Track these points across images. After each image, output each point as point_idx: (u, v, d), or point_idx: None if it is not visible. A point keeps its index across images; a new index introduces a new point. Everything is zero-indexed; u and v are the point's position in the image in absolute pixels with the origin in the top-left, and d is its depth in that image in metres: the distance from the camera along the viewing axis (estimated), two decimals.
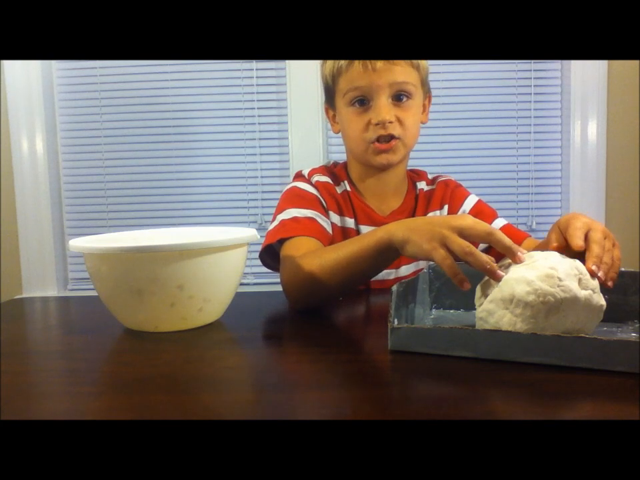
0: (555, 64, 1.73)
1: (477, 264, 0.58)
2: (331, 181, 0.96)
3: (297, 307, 0.80)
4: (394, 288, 0.61)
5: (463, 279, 0.59)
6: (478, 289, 0.61)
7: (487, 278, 0.60)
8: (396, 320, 0.58)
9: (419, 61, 0.89)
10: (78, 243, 0.68)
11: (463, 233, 0.61)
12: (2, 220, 1.74)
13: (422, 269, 0.78)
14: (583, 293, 0.55)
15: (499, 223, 0.97)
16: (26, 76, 1.71)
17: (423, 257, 0.63)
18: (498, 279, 0.57)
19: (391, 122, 0.87)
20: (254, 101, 1.76)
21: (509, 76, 1.74)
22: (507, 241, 0.59)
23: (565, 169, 1.75)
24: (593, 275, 0.57)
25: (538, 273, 0.55)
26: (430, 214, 0.97)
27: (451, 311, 0.71)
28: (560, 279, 0.54)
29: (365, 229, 0.94)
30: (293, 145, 1.74)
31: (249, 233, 0.73)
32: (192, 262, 0.65)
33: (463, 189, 1.02)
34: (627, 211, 1.71)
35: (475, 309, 0.60)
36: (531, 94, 1.74)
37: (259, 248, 0.92)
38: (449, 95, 1.73)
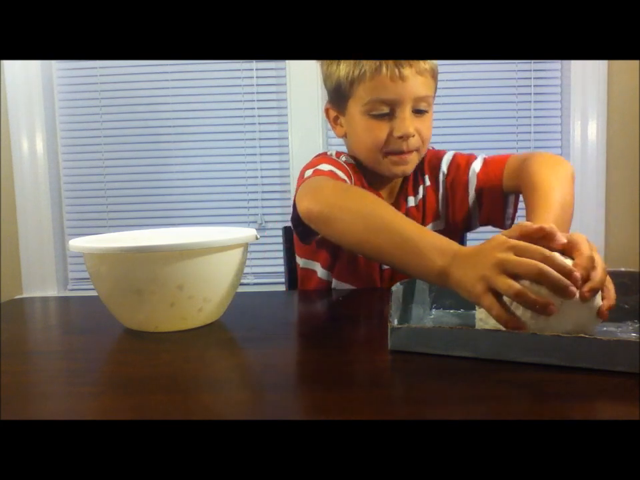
0: (555, 64, 1.73)
1: (527, 306, 0.52)
2: (355, 165, 0.93)
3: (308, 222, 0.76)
4: (394, 288, 0.61)
5: (516, 325, 0.52)
6: None
7: None
8: (396, 320, 0.58)
9: (437, 71, 0.87)
10: (78, 243, 0.68)
11: (508, 271, 0.53)
12: (2, 220, 1.74)
13: None
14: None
15: (478, 162, 0.94)
16: (26, 76, 1.71)
17: (475, 302, 0.57)
18: (550, 313, 0.52)
19: (413, 135, 0.86)
20: (254, 100, 1.76)
21: (509, 76, 1.74)
22: (557, 277, 0.51)
23: None
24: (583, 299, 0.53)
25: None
26: (420, 188, 0.95)
27: (451, 311, 0.71)
28: None
29: None
30: (292, 145, 1.74)
31: (248, 233, 0.73)
32: (192, 262, 0.65)
33: (438, 152, 0.99)
34: (627, 211, 1.71)
35: (474, 310, 0.60)
36: (531, 94, 1.74)
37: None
38: (449, 95, 1.73)
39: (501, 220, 0.93)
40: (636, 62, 1.66)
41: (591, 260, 0.53)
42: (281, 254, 1.15)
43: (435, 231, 0.64)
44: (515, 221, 0.96)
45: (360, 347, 0.63)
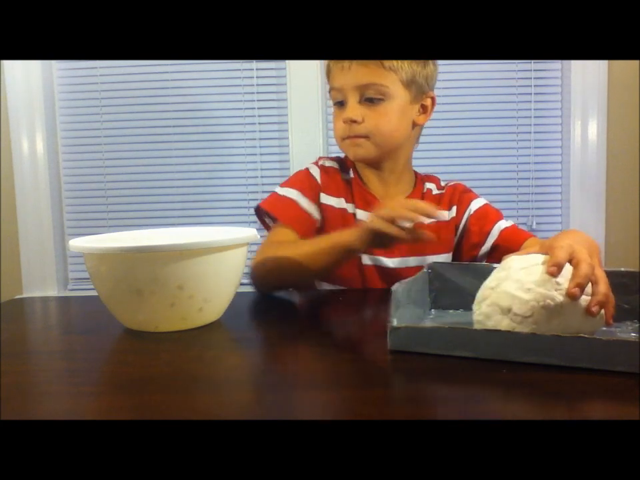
0: (555, 64, 1.73)
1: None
2: (337, 167, 1.02)
3: (261, 289, 0.92)
4: (394, 288, 0.61)
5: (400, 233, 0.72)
6: (479, 293, 0.60)
7: (486, 284, 0.59)
8: (395, 320, 0.58)
9: (396, 64, 0.89)
10: (78, 243, 0.68)
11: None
12: (2, 220, 1.74)
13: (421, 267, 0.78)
14: (583, 297, 0.54)
15: (503, 224, 0.98)
16: (26, 76, 1.71)
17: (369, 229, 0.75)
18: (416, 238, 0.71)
19: (355, 121, 0.91)
20: (254, 100, 1.76)
21: (509, 76, 1.74)
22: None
23: (565, 169, 1.75)
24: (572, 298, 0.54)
25: (535, 277, 0.55)
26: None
27: (450, 311, 0.71)
28: (558, 283, 0.54)
29: (361, 213, 0.98)
30: (293, 145, 1.74)
31: (249, 233, 0.73)
32: (192, 262, 0.65)
33: (471, 192, 1.04)
34: (627, 211, 1.71)
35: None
36: (531, 94, 1.74)
37: (259, 248, 0.94)
38: (449, 95, 1.73)
39: None
40: (636, 62, 1.65)
41: (588, 276, 0.54)
42: None
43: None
44: None
45: (360, 346, 0.63)
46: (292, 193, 0.97)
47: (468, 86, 1.74)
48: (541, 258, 0.57)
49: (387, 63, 0.89)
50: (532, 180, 1.76)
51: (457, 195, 1.01)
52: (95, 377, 0.54)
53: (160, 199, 1.79)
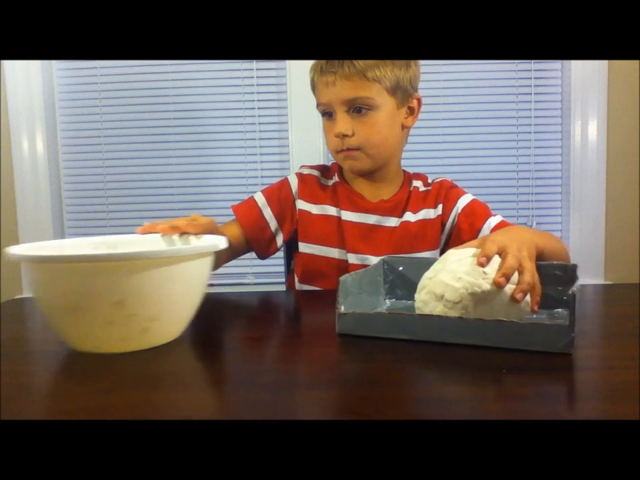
0: (555, 64, 1.73)
1: None
2: (317, 174, 1.03)
3: None
4: (342, 278, 0.66)
5: None
6: (419, 283, 0.65)
7: (426, 275, 0.65)
8: (342, 307, 0.63)
9: (379, 74, 0.90)
10: (13, 250, 0.59)
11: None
12: (2, 220, 1.74)
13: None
14: (509, 286, 0.59)
15: (493, 220, 0.97)
16: (26, 76, 1.71)
17: None
18: None
19: (346, 135, 0.92)
20: (254, 100, 1.76)
21: (509, 76, 1.74)
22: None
23: (565, 169, 1.75)
24: (499, 286, 0.59)
25: (466, 268, 0.61)
26: (423, 211, 0.98)
27: (403, 301, 0.75)
28: (485, 272, 0.60)
29: (346, 214, 0.98)
30: (292, 145, 1.74)
31: (208, 242, 0.65)
32: (134, 275, 0.56)
33: (457, 188, 1.03)
34: (627, 211, 1.71)
35: None
36: (531, 94, 1.74)
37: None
38: (450, 95, 1.73)
39: None
40: (636, 62, 1.65)
41: (514, 267, 0.60)
42: (281, 254, 1.15)
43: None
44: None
45: (358, 346, 0.63)
46: (260, 200, 1.00)
47: (468, 86, 1.74)
48: (474, 251, 0.63)
49: (370, 74, 0.89)
50: (532, 180, 1.76)
51: (444, 192, 1.01)
52: (95, 377, 0.54)
53: (160, 199, 1.79)
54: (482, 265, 0.60)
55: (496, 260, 0.61)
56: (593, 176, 1.71)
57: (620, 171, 1.71)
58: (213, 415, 0.44)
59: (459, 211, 0.99)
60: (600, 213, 1.71)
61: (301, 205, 1.00)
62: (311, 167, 1.05)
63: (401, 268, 0.76)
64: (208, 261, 0.64)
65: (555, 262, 0.69)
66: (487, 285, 0.59)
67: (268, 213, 0.99)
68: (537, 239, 0.72)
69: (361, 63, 0.88)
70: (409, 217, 0.98)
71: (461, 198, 1.00)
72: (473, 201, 1.00)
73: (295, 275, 1.03)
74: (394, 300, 0.76)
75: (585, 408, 0.44)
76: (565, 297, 0.66)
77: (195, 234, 0.73)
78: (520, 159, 1.76)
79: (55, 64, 1.76)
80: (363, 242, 0.96)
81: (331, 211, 0.99)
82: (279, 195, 1.01)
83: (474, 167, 1.75)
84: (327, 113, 0.95)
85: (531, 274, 0.61)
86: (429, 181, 1.04)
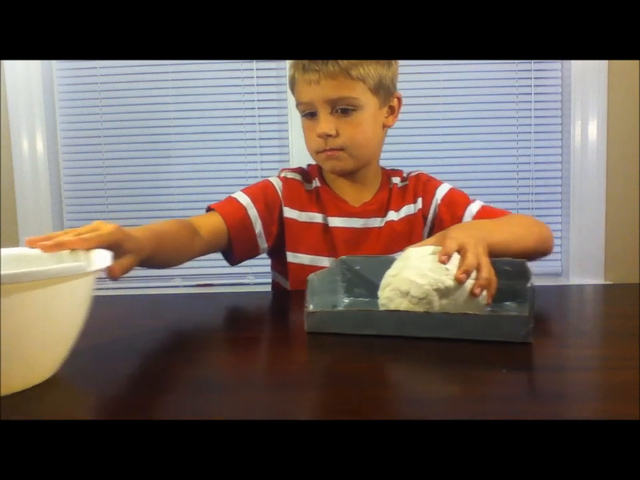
0: (555, 64, 1.73)
1: None
2: (300, 179, 1.00)
3: None
4: (309, 278, 0.67)
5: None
6: (383, 281, 0.67)
7: (389, 273, 0.66)
8: (311, 305, 0.64)
9: (363, 72, 0.89)
10: None
11: None
12: (2, 220, 1.74)
13: None
14: (469, 281, 0.63)
15: (474, 207, 0.96)
16: (26, 76, 1.71)
17: None
18: None
19: (330, 135, 0.89)
20: (254, 100, 1.76)
21: (509, 76, 1.74)
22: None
23: (565, 169, 1.75)
24: (460, 282, 0.63)
25: (429, 265, 0.63)
26: (404, 208, 0.98)
27: (360, 299, 0.77)
28: (448, 269, 0.63)
29: (333, 220, 0.96)
30: (292, 145, 1.74)
31: (76, 263, 0.50)
32: None
33: (434, 180, 1.02)
34: (627, 211, 1.71)
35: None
36: (531, 94, 1.74)
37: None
38: (450, 95, 1.73)
39: None
40: (636, 62, 1.65)
41: (474, 264, 0.64)
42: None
43: None
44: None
45: (356, 346, 0.63)
46: (244, 200, 0.96)
47: (468, 86, 1.74)
48: (434, 249, 0.66)
49: (355, 72, 0.87)
50: (532, 180, 1.76)
51: (421, 185, 0.99)
52: (96, 377, 0.54)
53: (160, 199, 1.79)
54: (443, 262, 0.63)
55: (456, 256, 0.65)
56: (593, 176, 1.71)
57: (620, 171, 1.71)
58: (206, 415, 0.44)
59: (439, 201, 0.97)
60: (600, 213, 1.71)
61: (288, 212, 0.97)
62: (292, 171, 1.03)
63: (357, 267, 0.78)
64: (77, 285, 0.50)
65: (504, 258, 0.72)
66: (449, 281, 0.62)
67: (253, 214, 0.95)
68: (493, 236, 0.74)
69: (345, 61, 0.86)
70: (392, 215, 0.97)
71: (439, 188, 0.99)
72: (451, 190, 0.99)
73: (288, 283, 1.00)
74: (352, 298, 0.77)
75: (585, 408, 0.44)
76: (513, 291, 0.71)
77: (87, 248, 0.59)
78: (520, 159, 1.76)
79: (55, 64, 1.76)
80: (352, 247, 0.94)
81: (318, 218, 0.97)
82: (265, 197, 0.97)
83: (474, 167, 1.75)
84: (309, 113, 0.92)
85: (488, 270, 0.65)
86: (404, 175, 1.03)
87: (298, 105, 0.93)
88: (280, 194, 0.98)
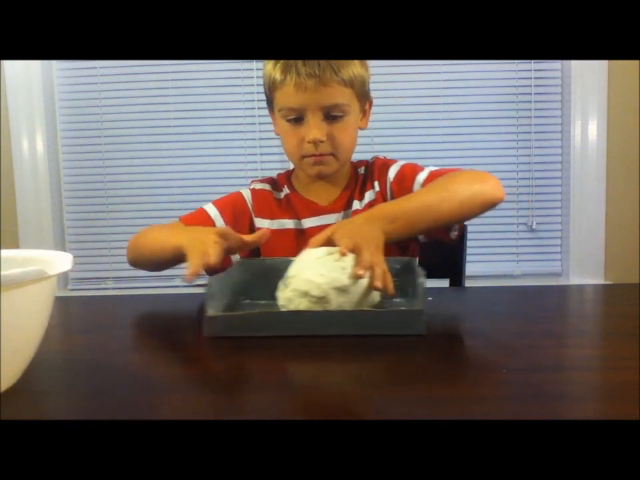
0: (555, 64, 1.73)
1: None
2: (269, 188, 1.02)
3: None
4: (207, 281, 0.66)
5: None
6: (281, 283, 0.68)
7: (287, 274, 0.68)
8: (210, 309, 0.63)
9: (352, 78, 0.89)
10: None
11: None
12: (2, 220, 1.74)
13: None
14: (364, 279, 0.65)
15: (422, 176, 0.95)
16: (26, 76, 1.71)
17: None
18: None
19: (322, 141, 0.89)
20: (254, 100, 1.76)
21: (509, 76, 1.74)
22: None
23: (565, 169, 1.75)
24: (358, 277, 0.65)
25: (326, 265, 0.66)
26: (366, 195, 0.98)
27: (258, 301, 0.76)
28: (344, 268, 0.65)
29: (306, 222, 0.97)
30: None
31: (35, 267, 0.46)
32: None
33: (389, 161, 1.01)
34: (627, 211, 1.71)
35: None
36: (531, 94, 1.74)
37: None
38: (450, 95, 1.73)
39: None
40: (636, 62, 1.65)
41: (369, 261, 0.65)
42: None
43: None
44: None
45: (354, 346, 0.63)
46: (212, 211, 0.98)
47: (468, 86, 1.74)
48: (329, 249, 0.68)
49: (347, 77, 0.87)
50: (532, 180, 1.76)
51: (377, 169, 1.00)
52: (96, 377, 0.54)
53: (160, 199, 1.79)
54: (345, 255, 0.66)
55: (350, 256, 0.67)
56: (592, 176, 1.71)
57: (620, 171, 1.71)
58: (202, 415, 0.44)
59: (391, 179, 0.97)
60: (600, 213, 1.71)
61: (259, 222, 0.98)
62: (262, 181, 1.04)
63: (255, 269, 0.79)
64: (35, 291, 0.47)
65: (393, 257, 0.75)
66: (346, 280, 0.64)
67: (221, 225, 0.95)
68: (397, 215, 0.77)
69: (339, 67, 0.86)
70: (357, 205, 0.97)
71: (391, 168, 0.98)
72: (402, 166, 0.98)
73: None
74: (249, 301, 0.77)
75: (585, 408, 0.44)
76: (402, 288, 0.73)
77: None
78: (520, 159, 1.76)
79: (55, 64, 1.76)
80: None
81: (289, 224, 0.97)
82: (234, 208, 0.99)
83: (474, 167, 1.75)
84: (293, 118, 0.90)
85: (381, 266, 0.67)
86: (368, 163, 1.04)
87: (281, 109, 0.91)
88: (250, 205, 1.00)
